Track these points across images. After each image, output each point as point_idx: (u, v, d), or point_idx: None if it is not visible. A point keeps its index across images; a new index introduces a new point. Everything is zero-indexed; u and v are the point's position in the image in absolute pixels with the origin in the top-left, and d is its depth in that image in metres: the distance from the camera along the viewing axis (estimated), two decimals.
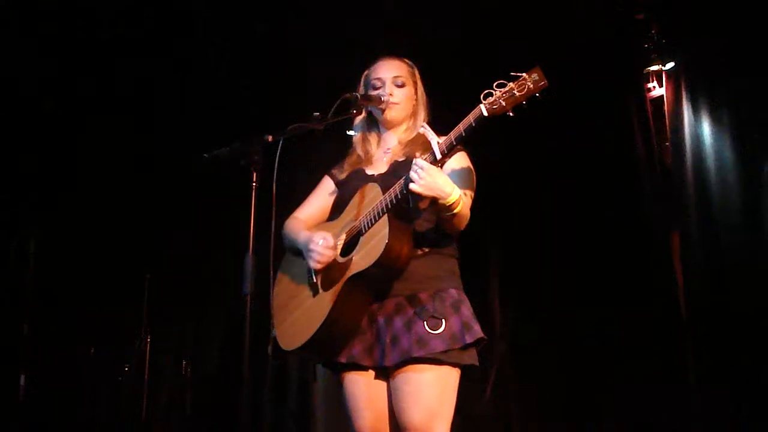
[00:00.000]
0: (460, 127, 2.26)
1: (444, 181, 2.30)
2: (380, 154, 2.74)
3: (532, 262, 4.30)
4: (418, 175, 2.28)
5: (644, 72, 4.27)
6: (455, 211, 2.34)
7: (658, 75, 4.27)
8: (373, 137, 2.76)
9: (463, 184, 2.45)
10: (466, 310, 2.47)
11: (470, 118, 2.24)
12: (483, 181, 2.55)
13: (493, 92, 2.18)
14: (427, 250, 2.50)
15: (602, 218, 4.17)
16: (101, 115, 4.68)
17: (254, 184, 2.34)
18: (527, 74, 2.16)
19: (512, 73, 2.17)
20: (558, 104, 2.91)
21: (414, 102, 2.71)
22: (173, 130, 4.73)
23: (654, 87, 4.29)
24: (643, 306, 3.96)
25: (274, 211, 2.36)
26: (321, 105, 2.53)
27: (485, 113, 2.19)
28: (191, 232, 4.88)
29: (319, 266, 2.52)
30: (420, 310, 2.43)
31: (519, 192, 4.42)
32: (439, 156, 2.29)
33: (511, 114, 2.18)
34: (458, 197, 2.32)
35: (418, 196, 2.31)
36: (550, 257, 4.24)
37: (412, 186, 2.29)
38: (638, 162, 4.23)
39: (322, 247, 2.51)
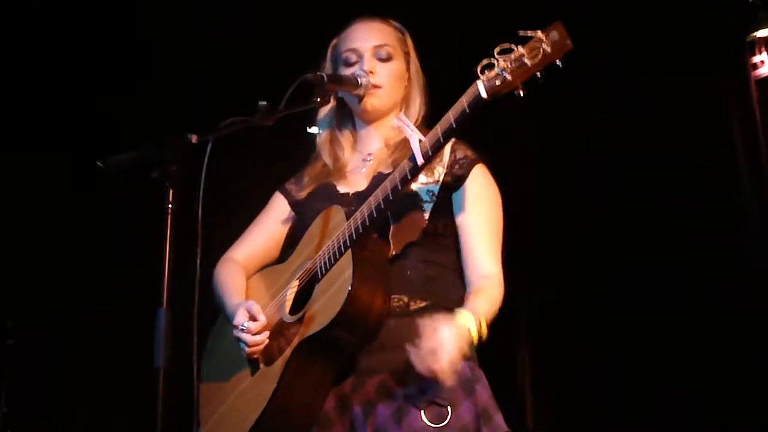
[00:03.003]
0: (450, 116, 2.27)
1: (456, 341, 2.26)
2: (357, 161, 2.77)
3: (578, 322, 4.37)
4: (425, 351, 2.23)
5: (747, 39, 4.29)
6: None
7: None
8: (346, 137, 2.80)
9: (485, 216, 2.52)
10: (483, 391, 2.49)
11: (463, 101, 2.24)
12: (506, 206, 2.60)
13: (495, 62, 2.17)
14: (423, 303, 2.52)
15: (681, 258, 4.26)
16: None
17: (170, 205, 2.33)
18: (543, 33, 2.12)
19: (521, 33, 2.14)
20: (614, 89, 2.93)
21: (406, 83, 2.75)
22: (50, 127, 4.73)
23: (763, 62, 4.30)
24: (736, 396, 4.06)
25: (199, 247, 2.37)
26: (269, 91, 2.54)
27: (483, 93, 2.19)
28: (78, 276, 4.85)
29: (252, 356, 2.56)
30: (414, 394, 2.43)
31: (555, 220, 4.50)
32: (420, 160, 2.31)
33: (521, 92, 2.17)
34: (478, 326, 2.31)
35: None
36: (604, 315, 4.32)
37: (419, 364, 2.24)
38: (737, 173, 4.26)
39: (248, 330, 2.54)
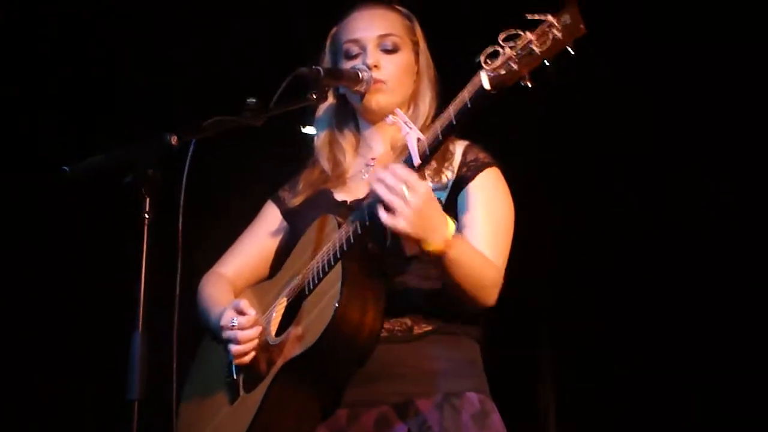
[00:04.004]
0: (450, 111, 2.26)
1: (433, 211, 2.30)
2: (359, 166, 2.78)
3: (609, 348, 4.47)
4: (394, 192, 2.24)
5: None
6: (446, 266, 2.34)
7: None
8: (347, 139, 2.81)
9: (489, 218, 2.51)
10: (498, 424, 2.50)
11: (464, 94, 2.24)
12: (523, 215, 2.59)
13: (500, 50, 2.17)
14: (429, 327, 2.53)
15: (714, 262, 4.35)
16: None
17: (146, 215, 2.33)
18: (554, 16, 2.12)
19: (528, 16, 2.13)
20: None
21: (415, 77, 2.75)
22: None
23: None
24: None
25: (180, 262, 2.37)
26: (259, 87, 2.54)
27: (487, 85, 2.19)
28: (37, 294, 4.85)
29: (244, 359, 2.56)
30: (419, 428, 2.45)
31: (584, 234, 4.56)
32: (417, 161, 2.29)
33: (528, 84, 2.17)
34: (445, 243, 2.30)
35: (410, 238, 2.30)
36: (639, 343, 4.44)
37: (389, 221, 2.25)
38: None
39: (239, 325, 2.54)
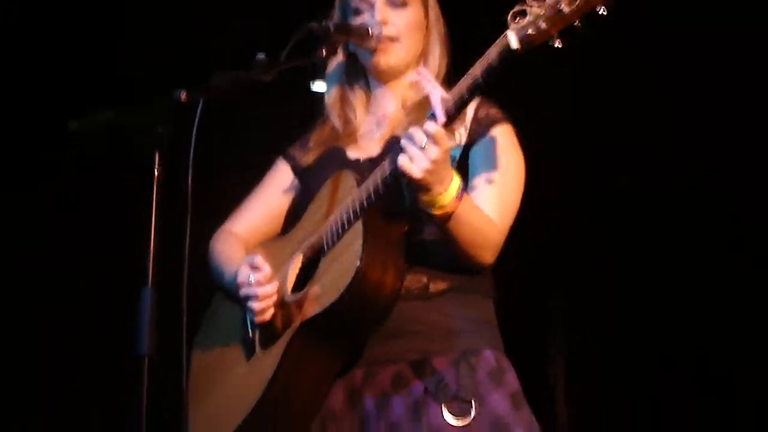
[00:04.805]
0: (477, 70, 2.25)
1: (445, 164, 2.30)
2: (370, 124, 2.77)
3: (622, 320, 4.53)
4: (419, 149, 2.26)
5: None
6: (443, 220, 2.35)
7: None
8: (357, 97, 2.80)
9: (496, 176, 2.49)
10: (514, 381, 2.51)
11: (491, 53, 2.22)
12: (536, 181, 2.58)
13: (528, 8, 2.16)
14: (444, 285, 2.53)
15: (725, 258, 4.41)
16: None
17: (156, 173, 2.33)
18: None
19: None
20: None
21: (424, 33, 2.74)
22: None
23: None
24: None
25: (189, 219, 2.36)
26: (268, 42, 2.53)
27: (514, 44, 2.17)
28: (48, 250, 4.87)
29: (265, 316, 2.56)
30: (436, 386, 2.45)
31: (603, 201, 4.61)
32: (442, 119, 2.29)
33: (558, 44, 2.15)
34: (451, 198, 2.31)
35: (417, 184, 2.31)
36: (655, 314, 4.51)
37: (405, 165, 2.27)
38: None
39: (256, 282, 2.54)
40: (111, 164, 4.12)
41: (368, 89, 2.79)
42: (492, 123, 2.59)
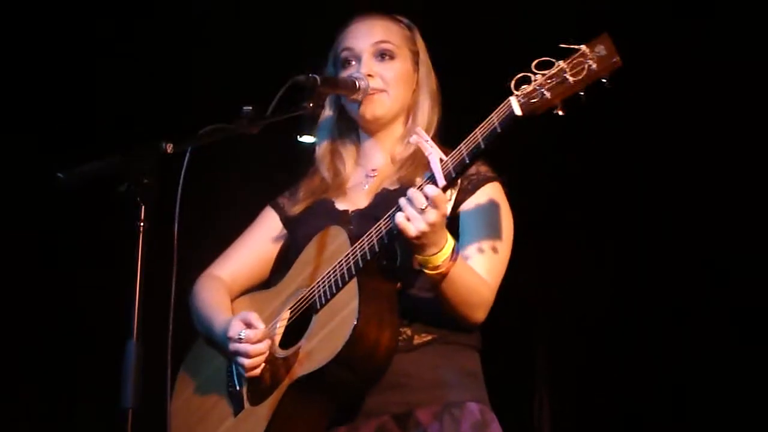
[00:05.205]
0: (478, 135, 2.25)
1: (441, 227, 2.32)
2: (359, 176, 2.78)
3: (606, 361, 4.49)
4: (418, 210, 2.28)
5: None
6: (440, 283, 2.36)
7: None
8: (347, 149, 2.81)
9: (487, 235, 2.50)
10: None
11: (494, 118, 2.23)
12: (523, 228, 2.59)
13: (532, 76, 2.18)
14: (429, 337, 2.53)
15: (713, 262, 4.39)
16: None
17: (141, 224, 2.32)
18: (587, 46, 2.12)
19: (562, 45, 2.14)
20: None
21: (413, 87, 2.75)
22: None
23: None
24: None
25: (174, 270, 2.36)
26: (255, 95, 2.54)
27: (517, 111, 2.19)
28: (31, 302, 4.84)
29: (255, 372, 2.54)
30: None
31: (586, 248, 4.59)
32: (442, 182, 2.30)
33: (560, 112, 2.17)
34: (445, 259, 2.33)
35: (413, 244, 2.32)
36: (641, 356, 4.48)
37: (402, 224, 2.28)
38: None
39: (247, 339, 2.53)
40: (95, 215, 4.10)
41: (358, 141, 2.80)
42: (482, 181, 2.59)
